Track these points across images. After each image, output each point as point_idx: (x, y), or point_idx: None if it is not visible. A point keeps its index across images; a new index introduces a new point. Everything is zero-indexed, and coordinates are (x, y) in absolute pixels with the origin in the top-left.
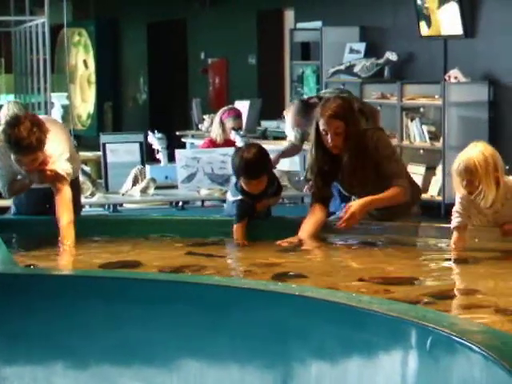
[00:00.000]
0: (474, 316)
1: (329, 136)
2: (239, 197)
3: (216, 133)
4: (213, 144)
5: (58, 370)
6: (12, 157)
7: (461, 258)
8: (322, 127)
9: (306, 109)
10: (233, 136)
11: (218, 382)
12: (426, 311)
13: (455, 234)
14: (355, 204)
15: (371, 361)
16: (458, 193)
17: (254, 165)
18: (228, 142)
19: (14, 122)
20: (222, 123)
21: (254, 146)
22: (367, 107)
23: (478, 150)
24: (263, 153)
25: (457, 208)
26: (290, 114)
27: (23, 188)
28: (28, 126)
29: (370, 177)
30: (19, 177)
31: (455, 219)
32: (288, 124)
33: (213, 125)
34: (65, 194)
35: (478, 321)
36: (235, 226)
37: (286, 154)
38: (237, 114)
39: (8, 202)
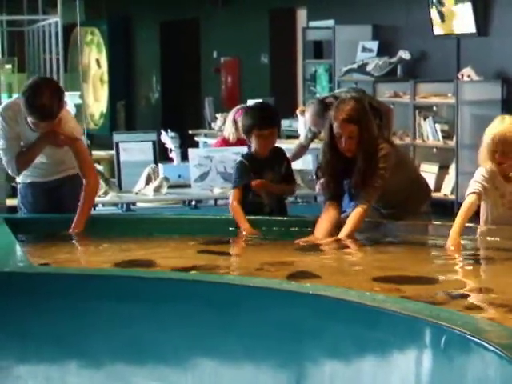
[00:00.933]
0: (488, 315)
1: (342, 139)
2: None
3: (229, 131)
4: (226, 143)
5: (72, 369)
6: (30, 120)
7: (474, 257)
8: (335, 130)
9: (324, 109)
10: None
11: (232, 381)
12: (440, 310)
13: (468, 199)
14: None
15: (385, 360)
16: (483, 166)
17: (268, 112)
18: (241, 141)
19: (34, 91)
20: (234, 122)
21: (264, 102)
22: (382, 106)
23: (508, 123)
24: (274, 107)
25: (476, 178)
26: (308, 113)
27: (33, 157)
28: (48, 94)
29: None
30: (24, 149)
31: (473, 186)
32: (303, 123)
33: (226, 124)
34: (86, 154)
35: (492, 319)
36: (233, 191)
37: (296, 156)
38: None
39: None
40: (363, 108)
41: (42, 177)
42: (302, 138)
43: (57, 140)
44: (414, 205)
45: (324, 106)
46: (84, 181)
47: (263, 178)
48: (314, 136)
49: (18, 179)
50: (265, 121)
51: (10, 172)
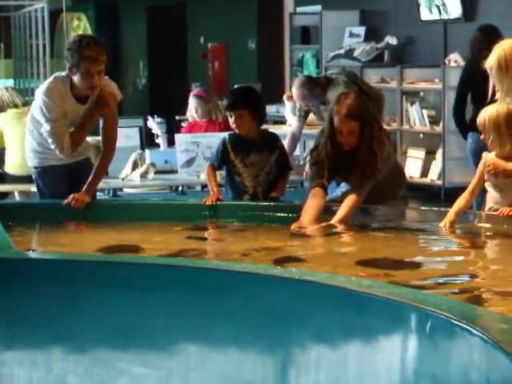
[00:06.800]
0: (474, 300)
1: (343, 134)
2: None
3: (189, 114)
4: (193, 126)
5: (58, 355)
6: (83, 69)
7: (461, 242)
8: (336, 124)
9: (311, 82)
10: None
11: (218, 366)
12: (426, 295)
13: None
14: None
15: (371, 344)
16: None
17: (233, 94)
18: (212, 123)
19: (82, 37)
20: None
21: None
22: (373, 91)
23: None
24: (253, 91)
25: None
26: (294, 88)
27: (88, 131)
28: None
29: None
30: (72, 129)
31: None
32: (290, 109)
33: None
34: (117, 122)
35: (477, 304)
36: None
37: (290, 148)
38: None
39: (9, 187)
40: (364, 103)
41: (61, 160)
42: (293, 128)
43: (106, 102)
44: (392, 189)
45: (311, 80)
46: (103, 148)
47: (248, 158)
48: (304, 119)
49: (34, 163)
50: (228, 103)
51: (62, 155)
